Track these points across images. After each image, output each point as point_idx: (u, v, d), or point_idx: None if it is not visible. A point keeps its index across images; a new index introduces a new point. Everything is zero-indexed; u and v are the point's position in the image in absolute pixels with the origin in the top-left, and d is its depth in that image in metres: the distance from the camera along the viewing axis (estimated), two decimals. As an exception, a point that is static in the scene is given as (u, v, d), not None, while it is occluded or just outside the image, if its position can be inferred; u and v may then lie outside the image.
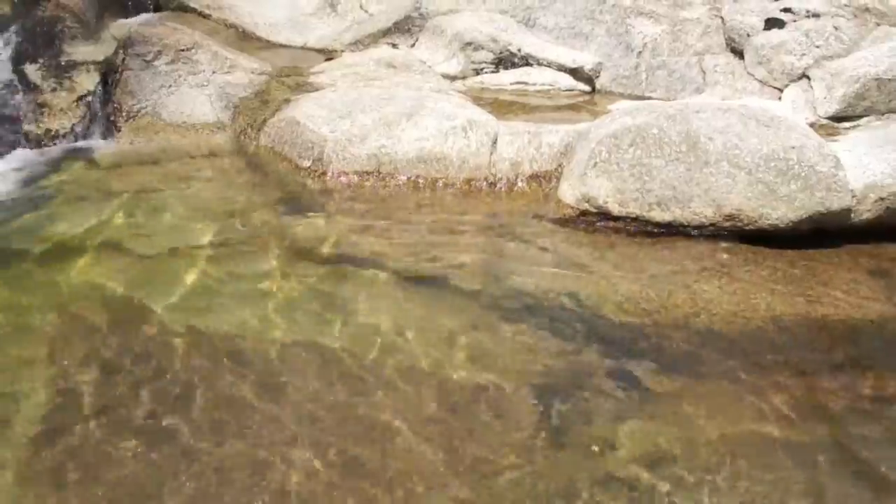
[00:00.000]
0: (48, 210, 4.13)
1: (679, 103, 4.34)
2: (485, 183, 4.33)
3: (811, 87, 5.12)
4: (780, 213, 3.75)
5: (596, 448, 2.63)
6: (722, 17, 5.69)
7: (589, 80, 5.60)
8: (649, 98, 5.56)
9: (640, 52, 5.74)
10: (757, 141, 3.83)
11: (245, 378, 2.89)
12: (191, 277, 3.54)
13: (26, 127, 4.93)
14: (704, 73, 5.65)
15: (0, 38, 5.20)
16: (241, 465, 2.50)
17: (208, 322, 3.22)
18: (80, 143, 4.97)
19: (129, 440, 2.59)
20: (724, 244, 3.85)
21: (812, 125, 4.57)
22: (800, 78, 5.26)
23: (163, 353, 3.02)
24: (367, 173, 4.37)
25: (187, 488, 2.41)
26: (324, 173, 4.39)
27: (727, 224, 3.82)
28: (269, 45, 6.26)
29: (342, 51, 6.00)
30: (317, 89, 5.09)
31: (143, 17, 6.39)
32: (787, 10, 5.52)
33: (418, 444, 2.62)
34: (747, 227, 3.81)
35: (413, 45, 5.82)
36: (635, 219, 3.93)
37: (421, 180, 4.33)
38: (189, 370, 2.93)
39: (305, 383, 2.88)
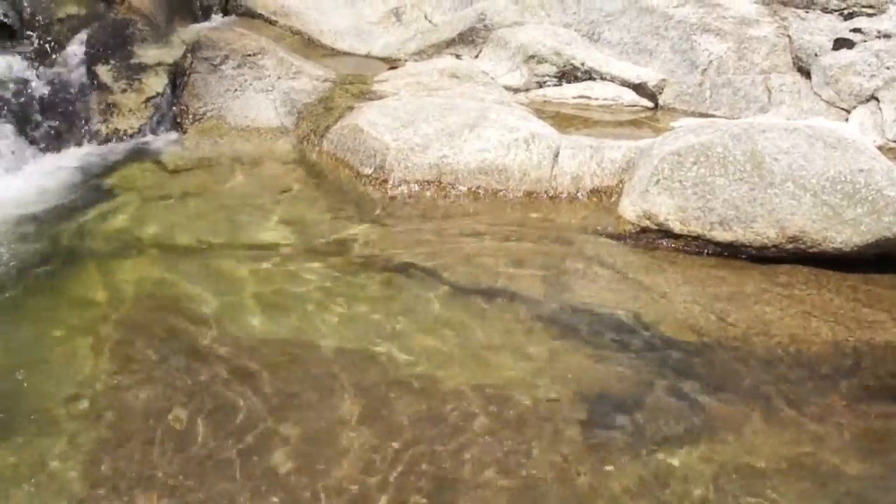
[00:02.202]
0: (113, 208, 4.23)
1: (744, 122, 4.29)
2: (545, 196, 4.33)
3: (880, 109, 5.04)
4: (844, 236, 3.70)
5: (649, 467, 2.61)
6: (789, 36, 5.62)
7: (652, 96, 5.57)
8: (713, 116, 5.51)
9: (704, 70, 5.70)
10: (823, 163, 3.78)
11: (296, 382, 2.93)
12: (248, 280, 3.59)
13: (96, 125, 5.05)
14: (770, 92, 5.59)
15: (75, 39, 5.33)
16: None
17: (264, 325, 3.26)
18: (147, 143, 5.07)
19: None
20: (785, 266, 3.79)
21: (880, 148, 4.50)
22: (868, 100, 5.18)
23: (217, 353, 3.07)
24: (428, 182, 4.39)
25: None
26: (385, 181, 4.43)
27: (790, 246, 3.77)
28: (334, 53, 6.35)
29: (406, 60, 6.05)
30: (380, 97, 5.13)
31: (212, 21, 6.52)
32: (856, 30, 5.44)
33: (466, 455, 2.62)
34: (810, 250, 3.76)
35: (476, 56, 5.84)
36: (696, 237, 3.89)
37: (481, 191, 4.35)
38: (241, 373, 2.97)
39: (357, 391, 2.90)
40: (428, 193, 4.36)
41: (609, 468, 2.59)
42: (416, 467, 2.57)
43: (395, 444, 2.65)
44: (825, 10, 5.61)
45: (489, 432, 2.72)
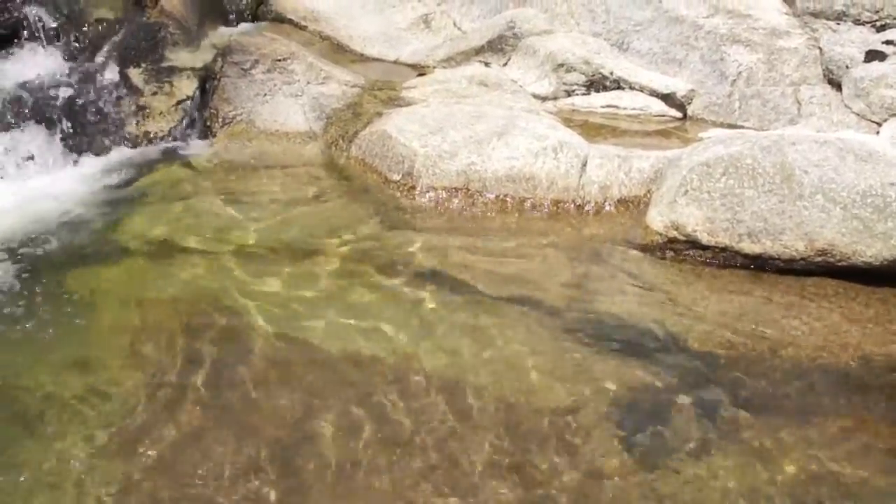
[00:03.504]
0: (143, 210, 4.27)
1: (774, 134, 4.27)
2: (572, 205, 4.33)
3: (911, 122, 5.00)
4: (874, 250, 3.67)
5: (677, 478, 2.61)
6: (820, 48, 5.59)
7: (681, 107, 5.55)
8: (742, 127, 5.48)
9: (734, 81, 5.67)
10: (854, 176, 3.76)
11: (318, 385, 2.95)
12: (275, 283, 3.63)
13: (127, 128, 5.10)
14: (800, 103, 5.56)
15: (107, 43, 5.38)
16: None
17: (290, 328, 3.29)
18: (177, 146, 5.12)
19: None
20: (813, 279, 3.77)
21: (911, 162, 4.46)
22: (900, 113, 5.14)
23: (251, 355, 3.10)
24: (456, 189, 4.40)
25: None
26: (413, 187, 4.44)
27: (818, 259, 3.75)
28: (363, 59, 6.36)
29: (434, 67, 6.06)
30: (409, 104, 5.14)
31: (242, 26, 6.56)
32: (889, 42, 5.39)
33: (491, 462, 2.63)
34: (839, 264, 3.74)
35: (505, 64, 5.85)
36: (724, 249, 3.88)
37: (508, 199, 4.35)
38: (272, 376, 3.00)
39: (386, 394, 2.91)
40: (455, 200, 4.37)
41: (635, 479, 2.59)
42: (441, 473, 2.58)
43: (420, 452, 2.66)
44: (857, 22, 5.57)
45: (514, 440, 2.73)
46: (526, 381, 3.02)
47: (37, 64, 5.09)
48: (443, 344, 3.22)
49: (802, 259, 3.77)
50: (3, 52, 5.12)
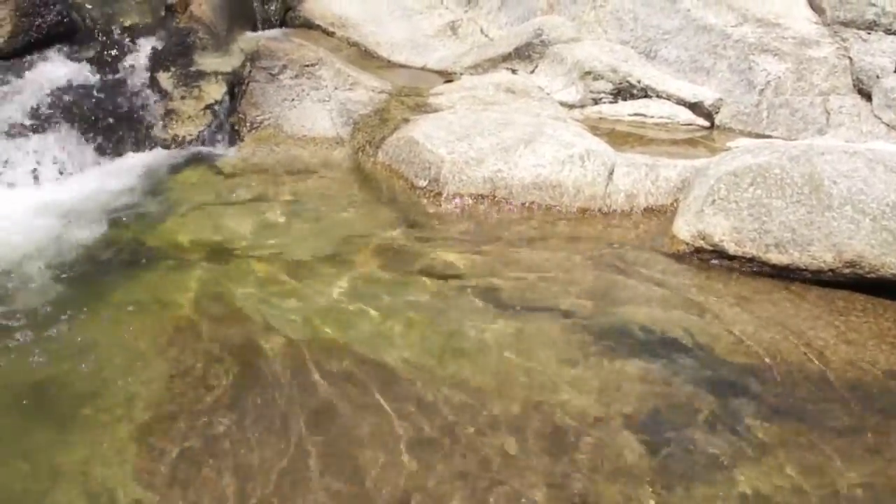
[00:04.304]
0: (170, 212, 4.31)
1: (803, 144, 4.25)
2: (599, 213, 4.32)
3: (942, 134, 4.97)
4: (904, 263, 3.65)
5: (700, 489, 2.59)
6: (850, 58, 5.56)
7: (708, 116, 5.54)
8: (769, 137, 5.46)
9: (762, 90, 5.65)
10: (884, 187, 3.73)
11: (345, 389, 2.96)
12: (300, 288, 3.63)
13: (156, 131, 5.14)
14: (828, 113, 5.53)
15: (137, 47, 5.44)
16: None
17: (313, 333, 3.30)
18: (205, 150, 5.15)
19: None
20: (842, 291, 3.74)
21: (942, 174, 4.42)
22: (931, 124, 5.10)
23: (277, 359, 3.11)
24: (482, 196, 4.41)
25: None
26: (439, 194, 4.45)
27: (847, 271, 3.72)
28: (390, 65, 6.40)
29: (461, 73, 6.08)
30: (435, 110, 5.16)
31: (270, 32, 6.61)
32: (920, 53, 5.37)
33: (516, 467, 2.63)
34: (868, 276, 3.71)
35: (532, 72, 5.85)
36: (751, 259, 3.86)
37: (535, 207, 4.35)
38: (301, 379, 3.01)
39: (411, 399, 2.92)
40: (481, 207, 4.37)
41: (660, 490, 2.58)
42: (464, 482, 2.58)
43: (444, 460, 2.66)
44: (888, 32, 5.53)
45: (537, 446, 2.72)
46: (550, 389, 3.02)
47: (68, 68, 5.14)
48: (467, 351, 3.22)
49: (830, 270, 3.74)
50: (36, 55, 5.18)
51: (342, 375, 3.04)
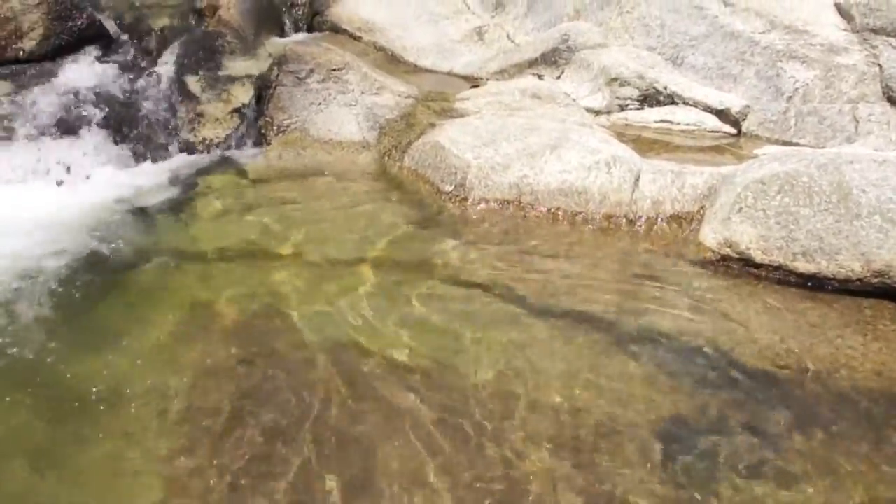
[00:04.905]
0: (198, 214, 4.35)
1: (831, 152, 4.22)
2: (624, 220, 4.31)
3: (973, 142, 4.92)
4: (933, 272, 3.62)
5: (721, 498, 2.58)
6: (880, 65, 5.51)
7: (735, 123, 5.51)
8: (797, 144, 5.43)
9: (790, 97, 5.62)
10: (913, 196, 3.71)
11: (371, 392, 2.97)
12: (325, 291, 3.66)
13: (184, 134, 5.19)
14: (857, 121, 5.49)
15: (167, 51, 5.49)
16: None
17: (338, 335, 3.32)
18: (232, 153, 5.20)
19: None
20: (870, 301, 3.71)
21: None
22: (961, 133, 5.06)
23: (301, 361, 3.13)
24: (508, 202, 4.41)
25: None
26: (465, 199, 4.46)
27: (875, 280, 3.69)
28: (416, 70, 6.41)
29: (487, 79, 6.08)
30: (462, 115, 5.17)
31: (298, 36, 6.65)
32: (951, 61, 5.32)
33: (539, 474, 2.63)
34: (897, 285, 3.69)
35: (558, 77, 5.85)
36: (778, 267, 3.84)
37: (560, 213, 4.35)
38: (322, 382, 3.03)
39: (434, 404, 2.93)
40: (507, 212, 4.37)
41: (681, 499, 2.57)
42: (487, 485, 2.58)
43: (466, 461, 2.67)
44: (918, 40, 5.50)
45: (560, 452, 2.72)
46: (573, 395, 3.02)
47: (99, 70, 5.20)
48: (492, 356, 3.23)
49: (858, 280, 3.72)
50: (67, 58, 5.25)
51: (368, 377, 3.06)
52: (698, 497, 2.58)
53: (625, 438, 2.81)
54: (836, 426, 2.93)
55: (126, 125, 4.99)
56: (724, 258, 3.96)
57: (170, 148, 5.12)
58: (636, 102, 5.58)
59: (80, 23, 5.28)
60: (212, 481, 2.55)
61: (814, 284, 3.79)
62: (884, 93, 5.50)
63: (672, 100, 5.56)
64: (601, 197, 4.34)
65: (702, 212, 4.26)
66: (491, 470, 2.64)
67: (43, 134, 4.72)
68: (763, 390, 3.10)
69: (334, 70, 5.42)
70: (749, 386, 3.13)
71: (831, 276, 3.76)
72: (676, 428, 2.89)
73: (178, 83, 5.34)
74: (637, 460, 2.72)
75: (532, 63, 6.00)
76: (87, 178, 4.67)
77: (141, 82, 5.23)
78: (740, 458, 2.76)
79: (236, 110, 5.34)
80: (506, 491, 2.57)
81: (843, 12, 5.81)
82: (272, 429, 2.77)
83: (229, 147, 5.23)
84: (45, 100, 4.86)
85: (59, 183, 4.59)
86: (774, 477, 2.68)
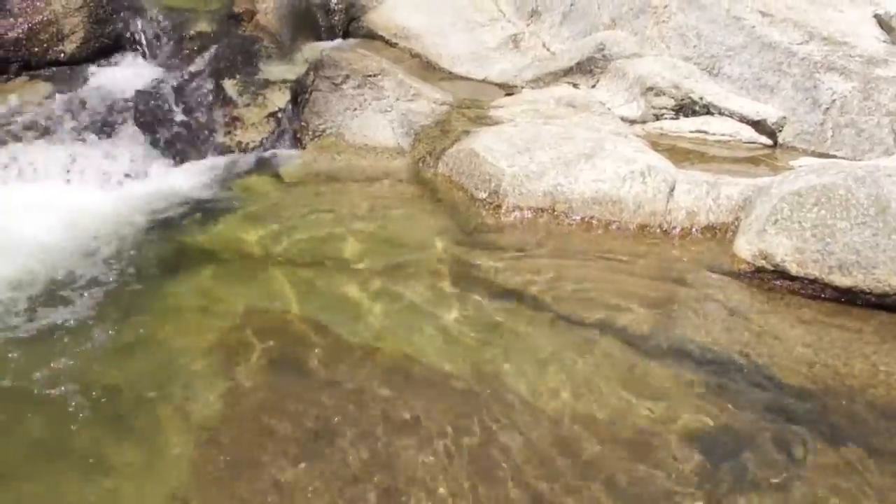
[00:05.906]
0: (232, 217, 4.37)
1: (869, 164, 4.18)
2: (658, 230, 4.29)
3: None
4: (972, 289, 3.57)
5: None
6: (919, 78, 5.47)
7: (771, 134, 5.48)
8: (834, 156, 5.39)
9: (827, 109, 5.58)
10: (952, 211, 3.66)
11: (403, 398, 2.98)
12: (360, 297, 3.67)
13: (220, 137, 5.23)
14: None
15: (204, 55, 5.54)
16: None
17: (371, 340, 3.34)
18: (268, 157, 5.23)
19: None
20: (907, 316, 3.69)
21: None
22: None
23: (337, 365, 3.15)
24: (542, 210, 4.41)
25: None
26: (498, 206, 4.46)
27: (913, 295, 3.67)
28: (451, 77, 6.42)
29: (522, 87, 6.09)
30: (496, 123, 5.17)
31: (334, 42, 6.69)
32: None
33: (567, 485, 2.63)
34: (935, 301, 3.65)
35: (593, 86, 5.84)
36: (813, 281, 3.81)
37: (594, 222, 4.34)
38: (354, 388, 3.04)
39: (461, 411, 2.94)
40: (541, 221, 4.37)
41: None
42: (520, 495, 2.58)
43: (500, 473, 2.67)
44: (959, 53, 5.44)
45: (589, 463, 2.72)
46: (605, 407, 3.01)
47: (137, 73, 5.27)
48: (522, 364, 3.23)
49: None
50: (106, 61, 5.32)
51: (400, 384, 3.07)
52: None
53: (655, 451, 2.80)
54: (871, 443, 2.90)
55: (163, 127, 5.04)
56: (759, 270, 3.94)
57: (206, 150, 5.15)
58: (671, 112, 5.56)
59: (119, 26, 5.35)
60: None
61: (848, 298, 3.75)
62: (923, 106, 5.45)
63: (708, 110, 5.54)
64: (636, 207, 4.32)
65: (737, 223, 4.24)
66: (526, 477, 2.64)
67: (80, 135, 4.77)
68: (796, 404, 3.08)
69: (370, 76, 5.44)
70: (782, 400, 3.10)
71: (868, 291, 3.72)
72: (707, 441, 2.87)
73: (215, 87, 5.38)
74: (666, 473, 2.71)
75: (567, 72, 6.00)
76: (123, 179, 4.72)
77: (178, 85, 5.28)
78: (769, 474, 2.74)
79: (272, 114, 5.38)
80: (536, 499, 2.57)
81: (882, 24, 5.76)
82: (331, 426, 2.79)
83: (265, 150, 5.26)
84: (83, 102, 4.92)
85: (96, 184, 4.64)
86: (804, 495, 2.66)
